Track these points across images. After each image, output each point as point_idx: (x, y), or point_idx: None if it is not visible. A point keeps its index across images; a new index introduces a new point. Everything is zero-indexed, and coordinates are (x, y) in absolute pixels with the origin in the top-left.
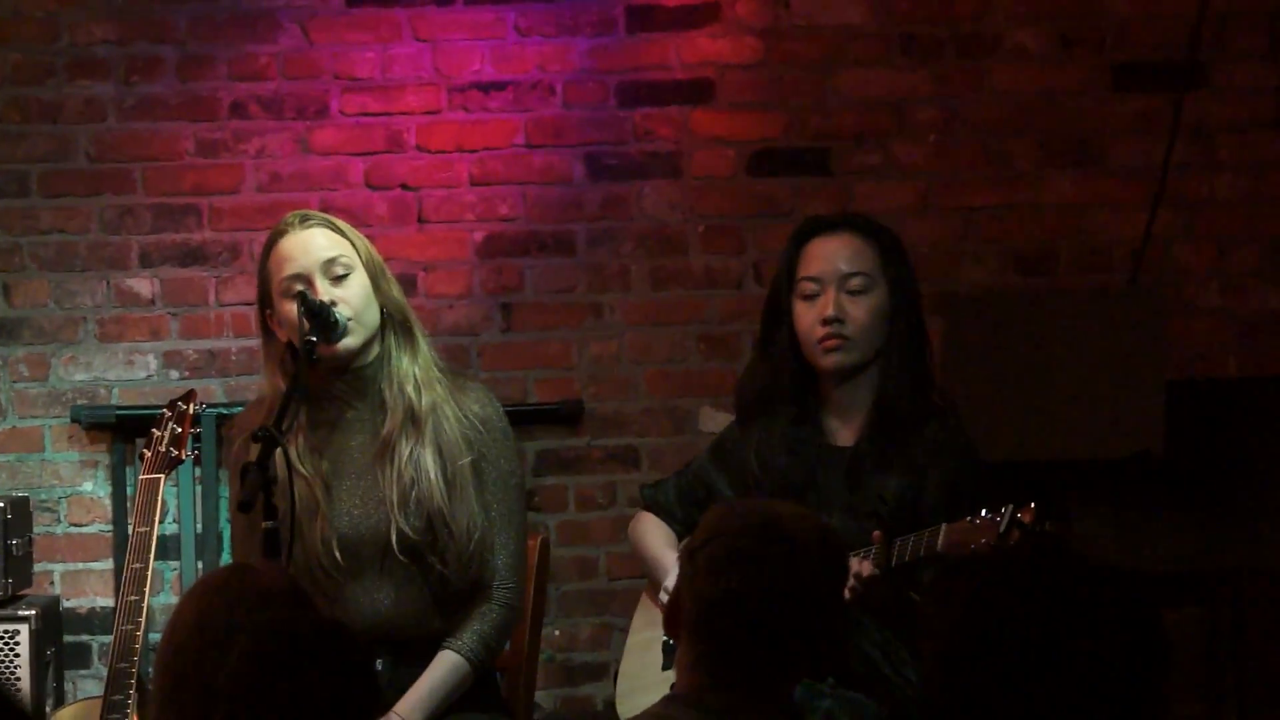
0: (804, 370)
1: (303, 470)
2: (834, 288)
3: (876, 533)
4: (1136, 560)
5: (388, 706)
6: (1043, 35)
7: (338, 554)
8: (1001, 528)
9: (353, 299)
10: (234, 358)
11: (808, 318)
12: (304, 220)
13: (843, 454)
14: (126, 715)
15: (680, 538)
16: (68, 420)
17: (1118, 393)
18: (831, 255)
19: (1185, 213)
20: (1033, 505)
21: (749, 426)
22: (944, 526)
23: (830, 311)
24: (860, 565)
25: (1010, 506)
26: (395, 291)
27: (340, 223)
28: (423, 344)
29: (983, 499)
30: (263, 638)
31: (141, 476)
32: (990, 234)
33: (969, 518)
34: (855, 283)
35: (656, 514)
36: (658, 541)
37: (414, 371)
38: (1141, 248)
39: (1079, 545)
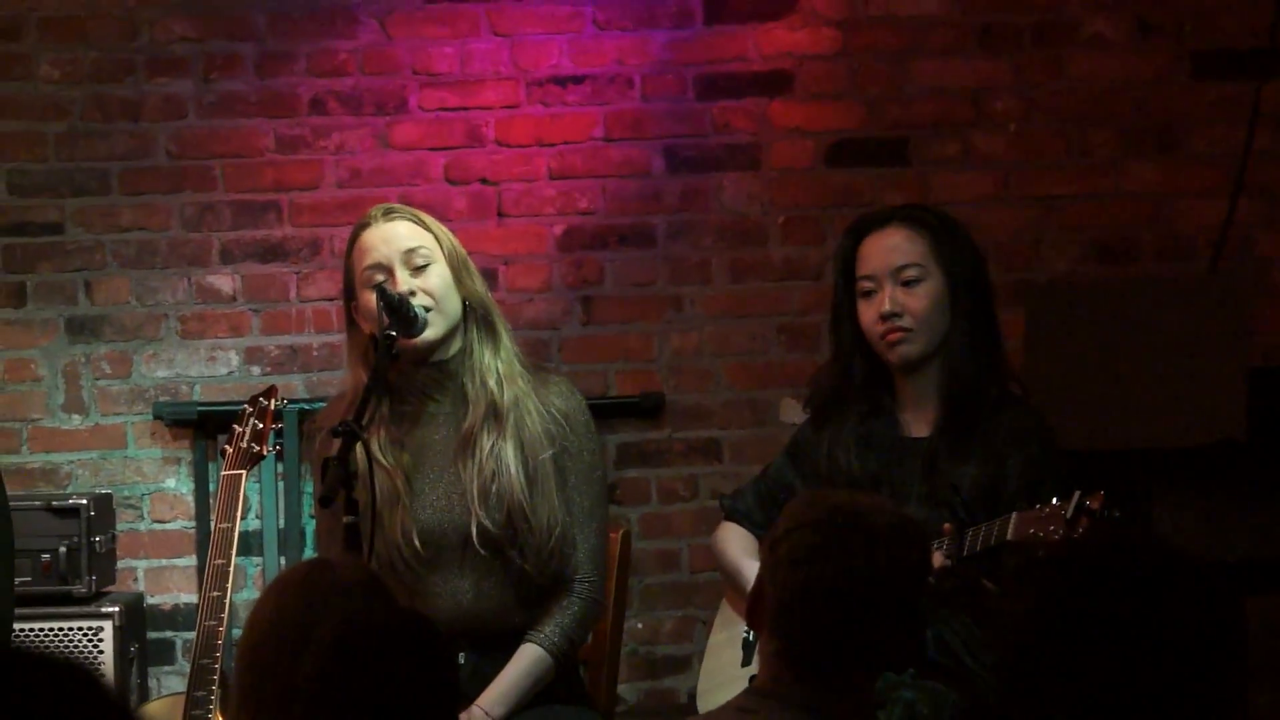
0: (874, 366)
1: (384, 462)
2: (889, 282)
3: (947, 525)
4: (1219, 548)
5: (470, 699)
6: (1121, 23)
7: (418, 544)
8: (1069, 515)
9: (433, 290)
10: (315, 353)
11: (868, 315)
12: (387, 213)
13: (918, 445)
14: (210, 710)
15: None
16: (150, 417)
17: (1199, 381)
18: (882, 251)
19: (1266, 200)
20: (1101, 492)
21: (822, 426)
22: (1014, 515)
23: (887, 307)
24: (933, 556)
25: (1078, 494)
26: (478, 285)
27: (424, 215)
28: (505, 338)
29: (1063, 486)
30: (342, 630)
31: (223, 472)
32: (1070, 223)
33: (1038, 505)
34: (908, 274)
35: (738, 522)
36: (737, 550)
37: (496, 365)
38: (1222, 235)
39: (1158, 533)
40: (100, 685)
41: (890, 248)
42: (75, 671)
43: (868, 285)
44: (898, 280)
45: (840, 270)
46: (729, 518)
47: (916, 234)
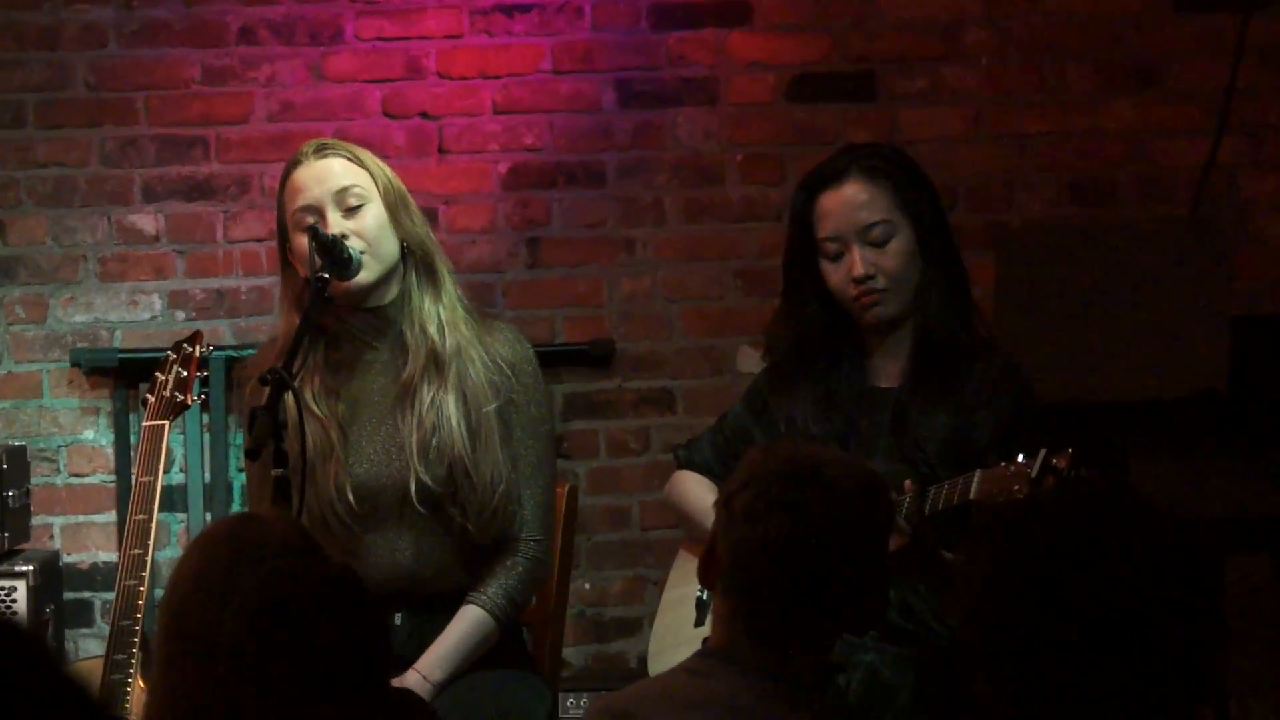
0: (833, 318)
1: (317, 411)
2: (855, 243)
3: (908, 482)
4: (1200, 504)
5: (408, 662)
6: None
7: (352, 499)
8: (1034, 474)
9: (366, 231)
10: (243, 297)
11: (837, 277)
12: (319, 150)
13: (886, 395)
14: (130, 674)
15: None
16: (67, 364)
17: (1180, 329)
18: (846, 209)
19: (1251, 139)
20: (1070, 450)
21: (780, 389)
22: (978, 473)
23: (860, 270)
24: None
25: (1044, 451)
26: (418, 226)
27: (360, 151)
28: (448, 282)
29: (1037, 441)
30: (267, 586)
31: (145, 423)
32: (1045, 162)
33: (1004, 463)
34: (876, 233)
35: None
36: (702, 492)
37: (437, 311)
38: (1204, 176)
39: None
40: (40, 644)
41: (854, 205)
42: (10, 629)
43: (833, 248)
44: (865, 240)
45: (797, 228)
46: (684, 469)
47: (878, 186)
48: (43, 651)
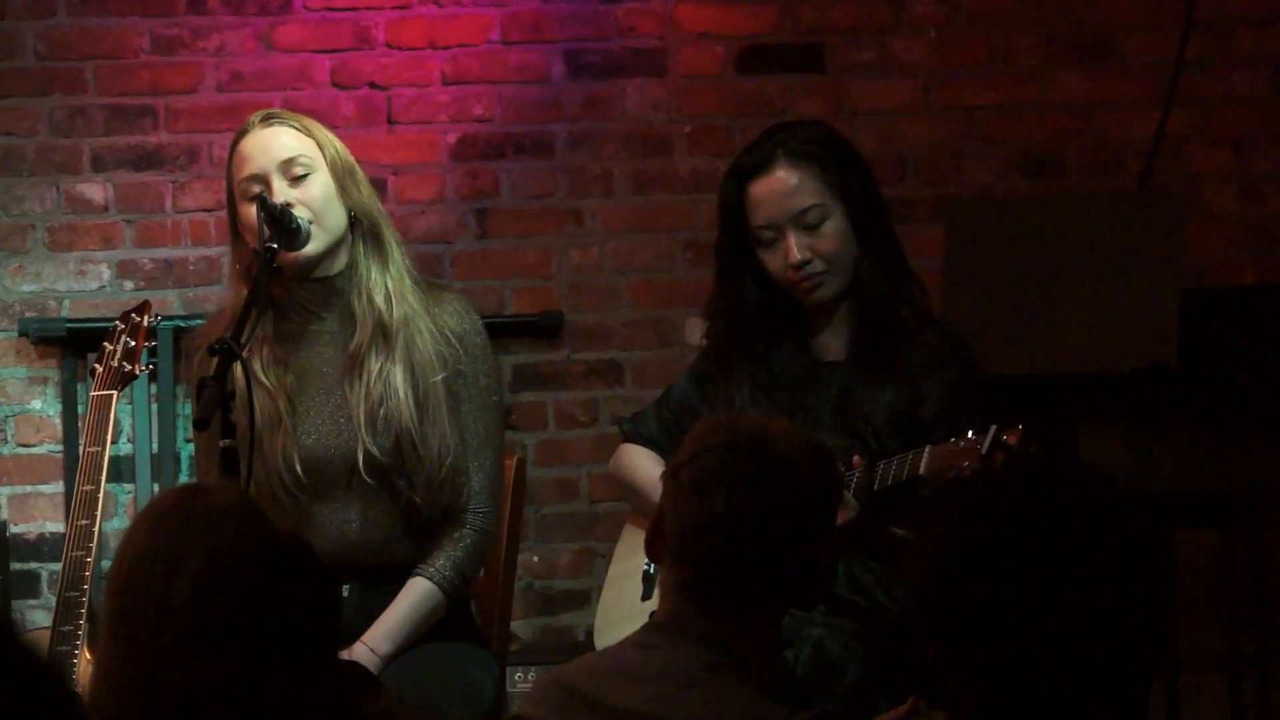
0: (774, 300)
1: (265, 382)
2: (790, 229)
3: (856, 457)
4: (1150, 479)
5: (355, 635)
6: None
7: (299, 470)
8: (984, 450)
9: (312, 201)
10: (192, 268)
11: (774, 264)
12: (266, 119)
13: (831, 370)
14: (76, 646)
15: None
16: (15, 334)
17: (1129, 302)
18: (776, 197)
19: (1201, 112)
20: (1020, 426)
21: (722, 366)
22: (927, 449)
23: (796, 255)
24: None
25: (994, 427)
26: (365, 196)
27: (307, 121)
28: (395, 253)
29: (984, 413)
30: (216, 553)
31: (93, 393)
32: (994, 134)
33: (953, 439)
34: (809, 217)
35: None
36: (649, 465)
37: (385, 282)
38: (1154, 149)
39: (1084, 462)
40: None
41: (784, 192)
42: None
43: (767, 235)
44: (800, 225)
45: (729, 218)
46: (629, 442)
47: (807, 170)
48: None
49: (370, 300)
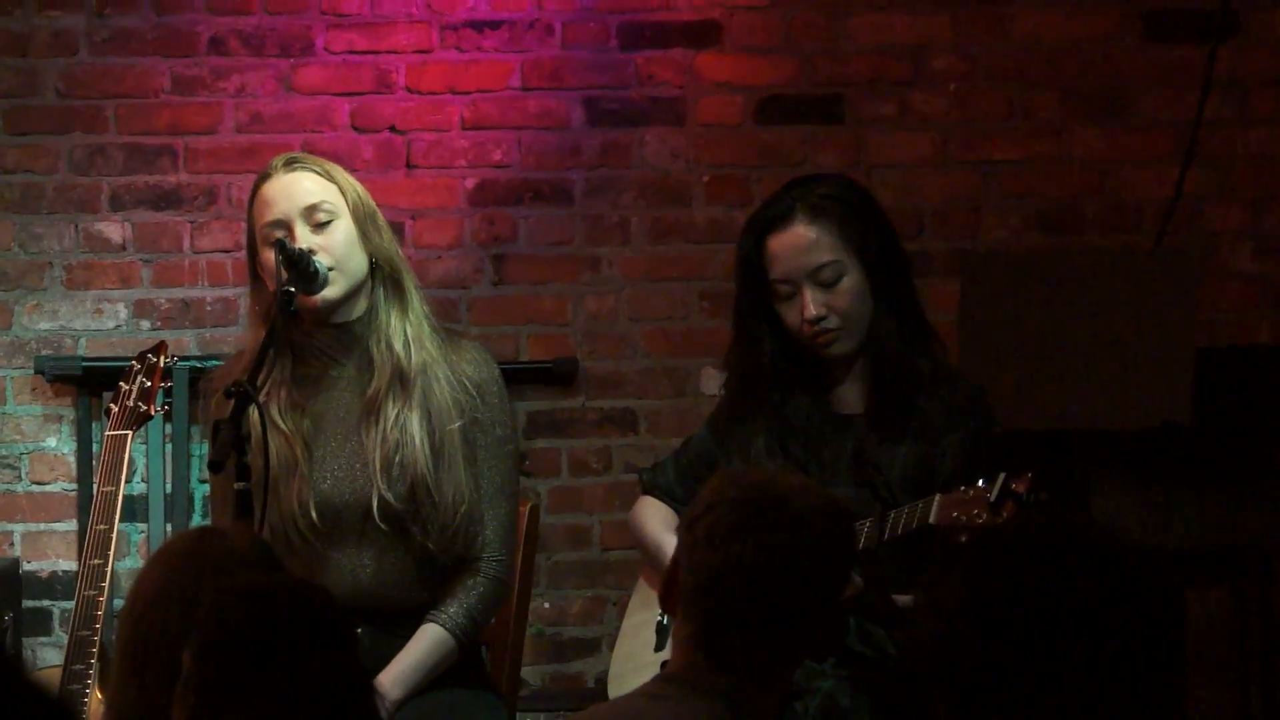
0: (791, 352)
1: (282, 426)
2: (806, 285)
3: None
4: (1162, 536)
5: (368, 679)
6: None
7: (314, 517)
8: (992, 498)
9: (334, 248)
10: (209, 308)
11: (791, 318)
12: (289, 163)
13: (849, 422)
14: (88, 685)
15: None
16: (31, 371)
17: (1144, 360)
18: (793, 253)
19: (1217, 170)
20: (1029, 474)
21: (739, 418)
22: (937, 497)
23: (812, 311)
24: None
25: (1003, 476)
26: (386, 242)
27: (329, 166)
28: (415, 299)
29: (999, 467)
30: (230, 601)
31: (108, 432)
32: (1011, 190)
33: (963, 488)
34: (825, 274)
35: (657, 498)
36: (658, 525)
37: (404, 328)
38: (1171, 207)
39: (1095, 518)
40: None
41: (801, 248)
42: None
43: (785, 289)
44: (816, 281)
45: (747, 271)
46: (648, 493)
47: (824, 226)
48: (5, 657)
49: (389, 346)
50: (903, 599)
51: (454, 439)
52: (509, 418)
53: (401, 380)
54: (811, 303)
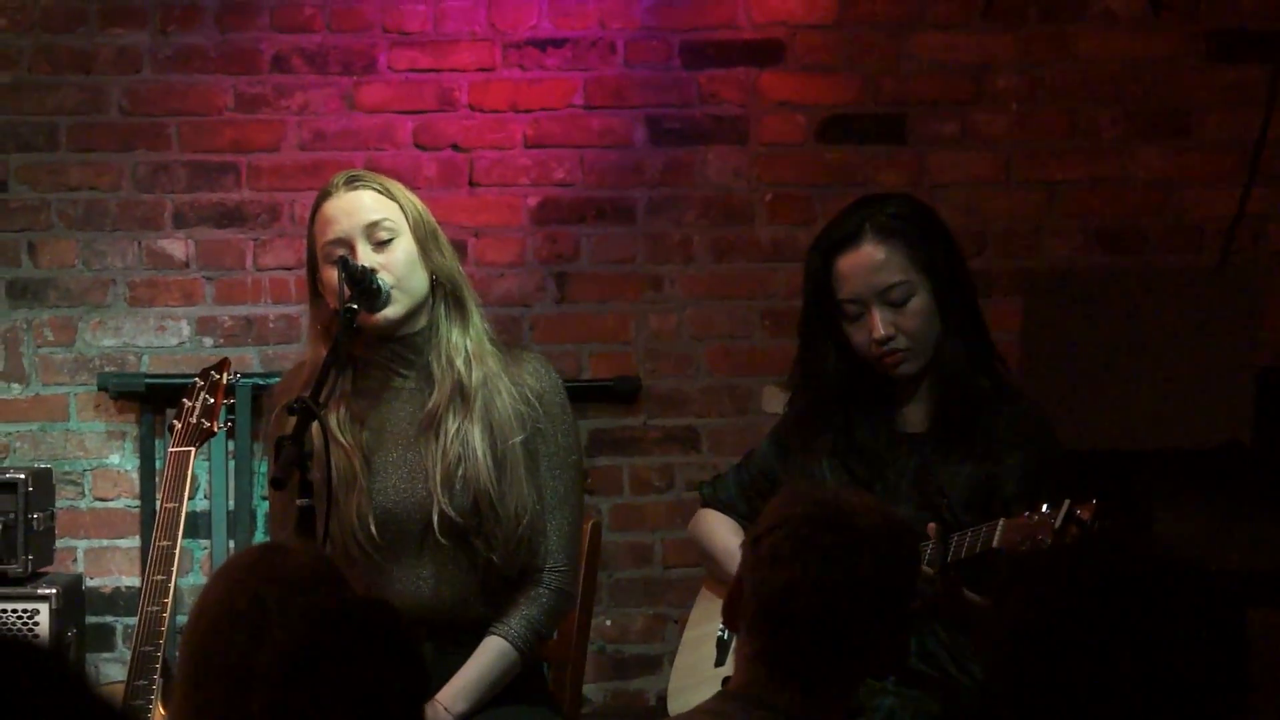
0: (857, 371)
1: (342, 440)
2: (875, 305)
3: (931, 525)
4: (1223, 556)
5: (430, 694)
6: (1132, 0)
7: (374, 530)
8: (1057, 524)
9: (396, 266)
10: (271, 325)
11: (859, 338)
12: (350, 181)
13: (912, 441)
14: (151, 701)
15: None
16: (94, 388)
17: (1206, 379)
18: (862, 273)
19: None
20: (1094, 501)
21: (804, 436)
22: (1001, 522)
23: (880, 332)
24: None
25: (1068, 502)
26: (447, 259)
27: (390, 184)
28: (475, 315)
29: (1063, 490)
30: (305, 622)
31: (171, 449)
32: (1073, 209)
33: (1028, 513)
34: (894, 294)
35: (718, 511)
36: (725, 533)
37: (464, 344)
38: (1233, 226)
39: (1158, 539)
40: (66, 664)
41: (870, 269)
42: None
43: (853, 309)
44: (885, 301)
45: (814, 289)
46: (708, 505)
47: (894, 246)
48: (70, 672)
49: (450, 363)
50: (975, 598)
51: (516, 451)
52: (572, 428)
53: (462, 395)
54: (880, 323)
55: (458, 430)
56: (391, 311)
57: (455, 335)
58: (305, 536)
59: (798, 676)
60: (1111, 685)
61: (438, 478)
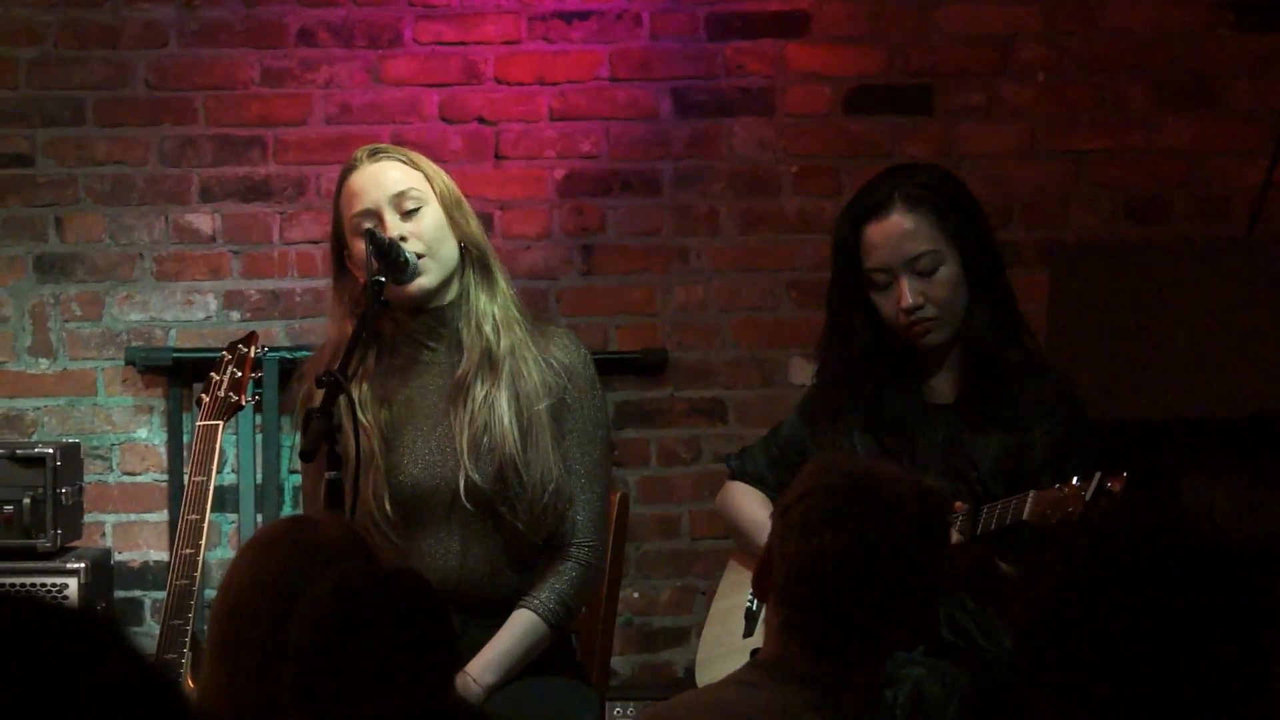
0: (885, 342)
1: (362, 419)
2: (903, 274)
3: (959, 503)
4: (1252, 528)
5: (460, 665)
6: None
7: (389, 508)
8: (1088, 496)
9: (425, 234)
10: (298, 299)
11: (887, 307)
12: (373, 154)
13: (941, 412)
14: (180, 674)
15: None
16: (122, 363)
17: (1233, 349)
18: (889, 241)
19: None
20: (1124, 474)
21: (833, 407)
22: (1031, 494)
23: (909, 300)
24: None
25: (1099, 475)
26: (474, 227)
27: (413, 154)
28: (502, 283)
29: (1091, 461)
30: (334, 593)
31: (199, 423)
32: (1101, 179)
33: (1058, 485)
34: (922, 264)
35: (747, 483)
36: (754, 506)
37: (493, 311)
38: (1261, 196)
39: (1187, 511)
40: (121, 635)
41: (899, 236)
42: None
43: (881, 278)
44: (913, 270)
45: (843, 258)
46: (736, 478)
47: (923, 215)
48: (128, 643)
49: (479, 329)
50: (1006, 567)
51: (541, 419)
52: (600, 402)
53: (490, 361)
54: (909, 292)
55: (485, 396)
56: (425, 281)
57: (484, 302)
58: (334, 509)
59: (827, 647)
60: (1142, 657)
61: (464, 445)
